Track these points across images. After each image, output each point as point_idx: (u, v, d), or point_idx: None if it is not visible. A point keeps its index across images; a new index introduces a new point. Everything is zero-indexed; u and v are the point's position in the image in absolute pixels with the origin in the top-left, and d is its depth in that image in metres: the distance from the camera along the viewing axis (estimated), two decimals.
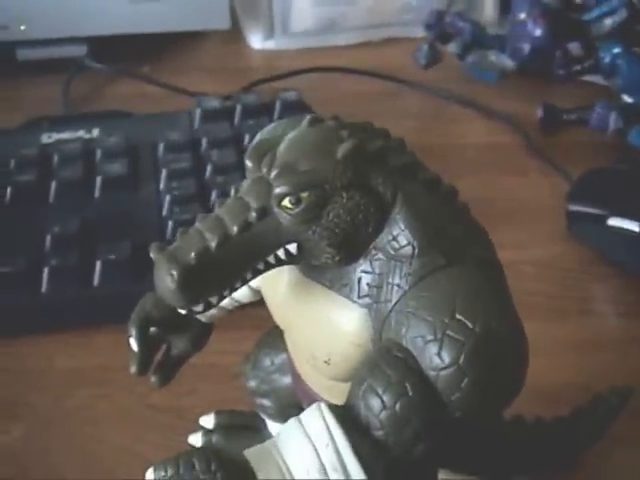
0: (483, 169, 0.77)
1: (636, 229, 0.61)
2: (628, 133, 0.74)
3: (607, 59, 0.80)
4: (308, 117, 0.33)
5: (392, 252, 0.32)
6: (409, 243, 0.31)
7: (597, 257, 0.65)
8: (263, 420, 0.47)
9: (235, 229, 0.31)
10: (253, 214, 0.31)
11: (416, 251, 0.31)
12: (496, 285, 0.32)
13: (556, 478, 0.48)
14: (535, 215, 0.70)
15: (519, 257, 0.65)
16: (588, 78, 0.86)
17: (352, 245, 0.32)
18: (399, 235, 0.31)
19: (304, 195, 0.31)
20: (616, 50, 0.79)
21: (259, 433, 0.48)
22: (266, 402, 0.45)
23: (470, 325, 0.29)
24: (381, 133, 0.34)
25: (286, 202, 0.31)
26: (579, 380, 0.54)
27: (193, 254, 0.31)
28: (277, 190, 0.31)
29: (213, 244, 0.31)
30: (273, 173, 0.31)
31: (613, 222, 0.63)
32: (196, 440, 0.49)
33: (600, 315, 0.61)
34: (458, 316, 0.30)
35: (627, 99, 0.80)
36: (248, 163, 0.32)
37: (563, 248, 0.66)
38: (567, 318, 0.60)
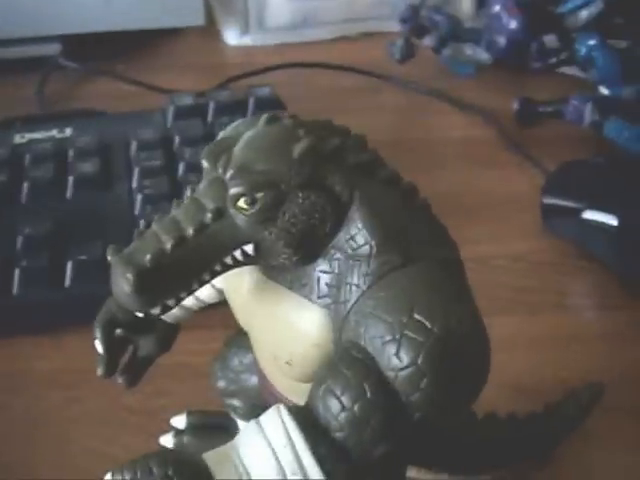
0: (459, 162, 0.77)
1: (611, 222, 0.61)
2: (604, 125, 0.74)
3: (583, 51, 0.79)
4: (265, 116, 0.33)
5: (350, 251, 0.31)
6: (367, 242, 0.31)
7: (572, 250, 0.65)
8: (234, 420, 0.47)
9: (191, 231, 0.31)
10: (209, 215, 0.31)
11: (374, 250, 0.31)
12: (456, 283, 0.32)
13: (528, 474, 0.48)
14: (510, 208, 0.70)
15: (494, 251, 0.64)
16: (564, 70, 0.86)
17: (309, 245, 0.31)
18: (357, 234, 0.31)
19: (259, 195, 0.31)
20: (592, 42, 0.79)
21: (231, 433, 0.47)
22: (235, 402, 0.45)
23: (429, 325, 0.29)
24: (340, 131, 0.33)
25: (241, 203, 0.31)
26: (555, 375, 0.54)
27: (148, 256, 0.30)
28: (232, 191, 0.31)
29: (168, 246, 0.31)
30: (228, 173, 0.31)
31: (588, 215, 0.63)
32: (167, 441, 0.48)
33: (576, 309, 0.61)
34: (416, 316, 0.29)
35: (603, 91, 0.80)
36: (204, 163, 0.32)
37: (538, 242, 0.66)
38: (542, 312, 0.60)
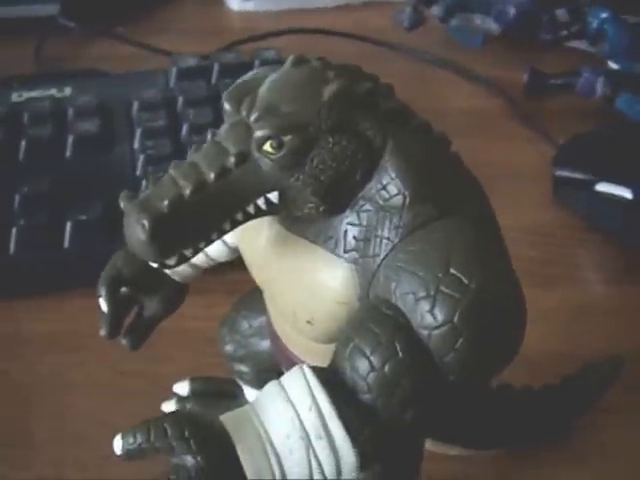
0: (467, 134, 0.74)
1: (625, 195, 0.60)
2: (615, 99, 0.72)
3: (594, 24, 0.78)
4: (292, 57, 0.31)
5: (381, 202, 0.29)
6: (400, 192, 0.29)
7: (584, 223, 0.63)
8: (240, 387, 0.46)
9: (212, 176, 0.29)
10: (231, 159, 0.29)
11: (407, 201, 0.29)
12: (492, 238, 0.31)
13: (546, 448, 0.46)
14: (520, 181, 0.68)
15: (504, 223, 0.61)
16: (573, 44, 0.84)
17: (338, 194, 0.30)
18: (389, 184, 0.29)
19: (287, 139, 0.29)
20: (604, 15, 0.77)
21: (236, 400, 0.46)
22: (243, 367, 0.44)
23: (465, 281, 0.27)
24: (370, 76, 0.32)
25: (267, 146, 0.29)
26: (566, 348, 0.52)
27: (166, 202, 0.28)
28: (258, 133, 0.29)
29: (187, 191, 0.29)
30: (253, 116, 0.29)
31: (601, 188, 0.61)
32: (170, 408, 0.47)
33: (587, 282, 0.60)
34: (452, 271, 0.28)
35: (613, 65, 0.79)
36: (226, 106, 0.30)
37: (549, 214, 0.65)
38: (554, 285, 0.58)
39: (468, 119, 0.77)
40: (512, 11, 0.82)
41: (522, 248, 0.61)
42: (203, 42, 0.86)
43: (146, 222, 0.28)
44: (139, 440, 0.27)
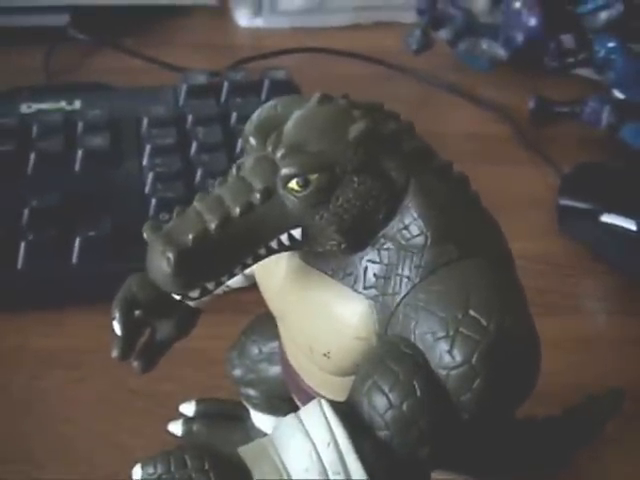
0: (471, 159, 0.74)
1: (631, 227, 0.60)
2: (620, 129, 0.73)
3: (601, 53, 0.78)
4: (317, 95, 0.31)
5: (402, 242, 0.30)
6: (422, 233, 0.30)
7: (588, 253, 0.63)
8: (246, 409, 0.46)
9: (237, 210, 0.29)
10: (257, 195, 0.29)
11: (429, 241, 0.29)
12: (510, 280, 0.31)
13: (546, 478, 0.47)
14: (524, 208, 0.68)
15: None
16: (579, 72, 0.84)
17: (360, 233, 0.30)
18: (411, 224, 0.30)
19: (313, 177, 0.29)
20: (611, 44, 0.78)
21: (242, 423, 0.46)
22: (251, 392, 0.44)
23: (484, 322, 0.28)
24: (393, 115, 0.32)
25: (293, 184, 0.29)
26: (568, 378, 0.52)
27: (191, 236, 0.29)
28: (284, 171, 0.29)
29: (213, 225, 0.29)
30: (280, 152, 0.29)
31: (606, 219, 0.62)
32: (176, 428, 0.47)
33: (590, 312, 0.60)
34: (472, 312, 0.28)
35: (618, 95, 0.79)
36: (252, 140, 0.30)
37: (552, 243, 0.65)
38: (555, 314, 0.59)
39: (473, 144, 0.77)
40: (520, 37, 0.82)
41: (525, 276, 0.60)
42: (210, 58, 0.86)
43: (171, 255, 0.28)
44: (159, 470, 0.28)
